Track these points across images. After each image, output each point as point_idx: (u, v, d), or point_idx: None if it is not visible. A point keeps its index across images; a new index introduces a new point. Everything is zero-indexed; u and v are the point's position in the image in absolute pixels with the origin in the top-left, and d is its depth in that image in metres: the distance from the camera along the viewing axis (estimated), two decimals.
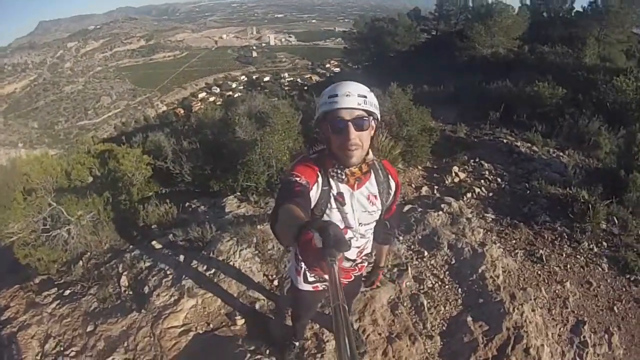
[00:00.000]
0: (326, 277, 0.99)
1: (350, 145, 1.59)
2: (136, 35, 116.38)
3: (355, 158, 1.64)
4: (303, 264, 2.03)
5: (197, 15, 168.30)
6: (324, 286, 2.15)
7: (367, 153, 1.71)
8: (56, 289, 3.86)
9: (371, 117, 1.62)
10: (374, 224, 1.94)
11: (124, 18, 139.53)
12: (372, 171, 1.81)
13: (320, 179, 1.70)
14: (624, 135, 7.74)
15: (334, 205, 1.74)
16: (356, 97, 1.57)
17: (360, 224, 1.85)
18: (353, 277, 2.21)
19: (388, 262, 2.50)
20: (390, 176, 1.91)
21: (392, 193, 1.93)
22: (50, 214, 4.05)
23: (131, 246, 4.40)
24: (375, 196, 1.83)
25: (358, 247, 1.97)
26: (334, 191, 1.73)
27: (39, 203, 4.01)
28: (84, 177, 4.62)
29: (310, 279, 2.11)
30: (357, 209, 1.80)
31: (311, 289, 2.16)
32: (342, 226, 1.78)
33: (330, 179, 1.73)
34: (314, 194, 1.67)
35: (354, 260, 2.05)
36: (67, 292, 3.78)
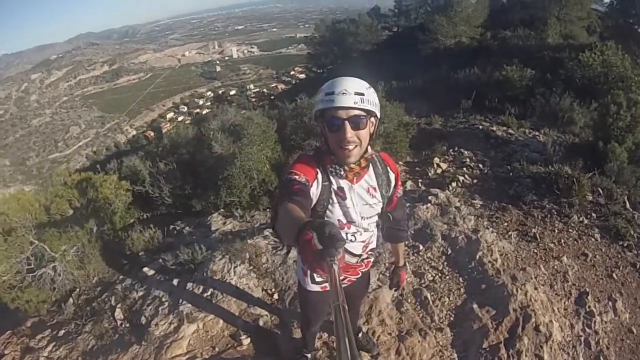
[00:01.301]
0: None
1: (347, 143, 1.57)
2: (99, 60, 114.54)
3: (353, 157, 1.64)
4: None
5: (158, 35, 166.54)
6: None
7: (366, 150, 1.69)
8: (50, 330, 3.69)
9: (369, 115, 1.59)
10: (376, 217, 1.92)
11: (86, 44, 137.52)
12: (370, 164, 1.80)
13: (319, 175, 1.68)
14: (596, 108, 7.94)
15: (335, 200, 1.73)
16: (353, 96, 1.54)
17: (362, 217, 1.83)
18: (360, 274, 2.18)
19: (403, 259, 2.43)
20: (389, 168, 1.90)
21: (392, 184, 1.91)
22: (33, 252, 3.86)
23: (121, 277, 4.25)
24: (375, 188, 1.82)
25: (363, 242, 1.94)
26: (334, 186, 1.73)
27: (20, 242, 3.81)
28: (63, 210, 4.44)
29: (318, 279, 2.07)
30: (358, 203, 1.79)
31: (319, 290, 2.11)
32: (344, 221, 1.78)
33: (330, 175, 1.72)
34: (315, 190, 1.66)
35: (359, 256, 2.01)
36: (62, 332, 3.62)
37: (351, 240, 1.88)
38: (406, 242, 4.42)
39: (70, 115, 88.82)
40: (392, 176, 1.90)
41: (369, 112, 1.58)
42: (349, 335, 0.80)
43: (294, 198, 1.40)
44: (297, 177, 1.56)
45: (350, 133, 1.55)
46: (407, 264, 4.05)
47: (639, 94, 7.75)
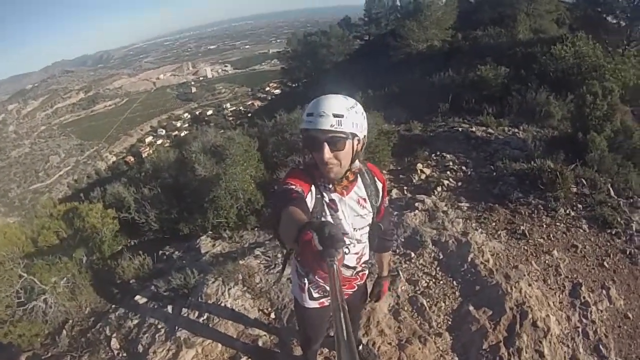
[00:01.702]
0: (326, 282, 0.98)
1: (325, 164, 1.58)
2: (74, 88, 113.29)
3: (333, 174, 1.65)
4: (306, 280, 2.02)
5: (132, 59, 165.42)
6: (329, 301, 2.09)
7: (350, 166, 1.70)
8: None
9: (349, 136, 1.59)
10: (368, 228, 1.92)
11: (60, 72, 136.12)
12: (358, 176, 1.81)
13: (313, 188, 1.69)
14: (572, 100, 8.09)
15: (327, 212, 1.74)
16: (330, 118, 1.54)
17: (354, 228, 1.85)
18: (356, 287, 2.18)
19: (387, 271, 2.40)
20: (376, 178, 1.92)
21: (381, 194, 1.93)
22: (23, 285, 3.78)
23: (113, 306, 4.16)
24: (365, 199, 1.84)
25: (356, 254, 1.96)
26: (326, 199, 1.74)
27: (8, 276, 3.73)
28: (51, 241, 4.36)
29: (316, 295, 2.05)
30: (350, 214, 1.80)
31: (317, 306, 2.09)
32: None
33: (320, 188, 1.73)
34: (309, 202, 1.65)
35: (354, 268, 2.02)
36: None
37: (346, 253, 1.88)
38: (395, 250, 4.43)
39: (49, 144, 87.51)
40: (379, 186, 1.92)
41: (348, 134, 1.58)
42: (348, 335, 0.81)
43: (294, 202, 1.41)
44: (293, 186, 1.57)
45: (328, 154, 1.56)
46: (400, 272, 4.06)
47: (613, 81, 7.97)
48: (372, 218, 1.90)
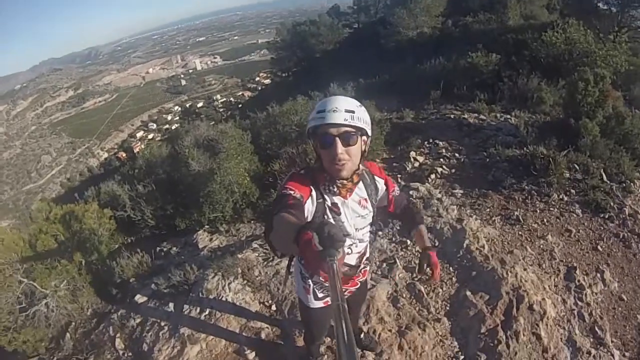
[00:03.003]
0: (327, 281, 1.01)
1: (338, 160, 1.60)
2: (63, 86, 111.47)
3: (345, 172, 1.67)
4: (311, 282, 2.05)
5: (120, 54, 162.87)
6: None
7: (358, 166, 1.73)
8: None
9: (359, 133, 1.63)
10: (369, 226, 1.95)
11: (49, 71, 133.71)
12: (360, 179, 1.83)
13: (314, 193, 1.70)
14: (564, 86, 8.11)
15: (330, 216, 1.76)
16: (343, 113, 1.57)
17: (356, 229, 1.87)
18: (359, 284, 2.22)
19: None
20: (375, 177, 1.94)
21: (382, 191, 1.96)
22: (23, 291, 3.78)
23: (115, 306, 4.18)
24: (366, 199, 1.86)
25: (359, 252, 1.99)
26: (328, 203, 1.75)
27: (9, 283, 3.73)
28: (49, 245, 4.34)
29: (320, 295, 2.09)
30: (352, 216, 1.82)
31: (322, 305, 2.13)
32: None
33: (323, 192, 1.74)
34: (310, 207, 1.68)
35: (357, 267, 2.05)
36: None
37: (348, 253, 1.92)
38: (391, 238, 4.50)
39: (40, 144, 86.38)
40: (380, 183, 1.95)
41: (359, 129, 1.61)
42: (348, 334, 0.82)
43: (289, 210, 1.42)
44: (292, 192, 1.59)
45: (341, 149, 1.58)
46: (397, 259, 4.11)
47: (605, 67, 8.00)
48: (373, 217, 1.92)
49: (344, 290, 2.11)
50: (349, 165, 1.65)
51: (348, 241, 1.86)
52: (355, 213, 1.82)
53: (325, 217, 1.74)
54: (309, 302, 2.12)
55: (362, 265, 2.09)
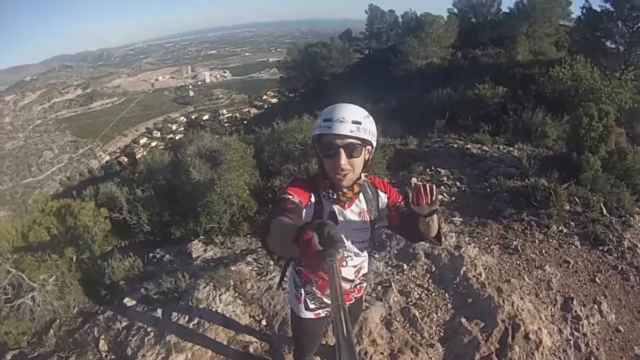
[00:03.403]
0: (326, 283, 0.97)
1: (340, 170, 1.59)
2: (73, 84, 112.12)
3: (345, 182, 1.66)
4: (303, 291, 2.01)
5: (132, 59, 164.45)
6: (325, 312, 2.09)
7: (360, 176, 1.72)
8: None
9: (364, 144, 1.62)
10: (368, 242, 1.91)
11: (60, 66, 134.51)
12: (361, 189, 1.81)
13: (313, 199, 1.70)
14: (568, 121, 8.21)
15: None
16: (349, 124, 1.55)
17: (352, 241, 1.84)
18: (353, 300, 2.16)
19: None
20: (378, 190, 1.90)
21: (384, 202, 1.91)
22: (11, 281, 3.72)
23: (102, 307, 4.11)
24: (366, 212, 1.84)
25: (355, 266, 1.95)
26: (326, 210, 1.73)
27: None
28: (42, 237, 4.30)
29: (312, 306, 2.05)
30: (349, 227, 1.79)
31: (313, 317, 2.08)
32: None
33: (323, 199, 1.73)
34: (308, 212, 1.67)
35: (352, 281, 2.01)
36: None
37: (343, 265, 1.88)
38: (387, 262, 4.46)
39: (44, 139, 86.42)
40: (382, 197, 1.90)
41: (364, 141, 1.60)
42: (348, 334, 0.81)
43: (286, 214, 1.40)
44: (291, 197, 1.58)
45: (344, 160, 1.57)
46: (392, 283, 4.06)
47: (609, 104, 8.09)
48: (372, 232, 1.90)
49: None
50: (351, 175, 1.64)
51: (345, 253, 1.83)
52: (353, 225, 1.80)
53: None
54: (299, 312, 2.07)
55: (357, 281, 2.05)
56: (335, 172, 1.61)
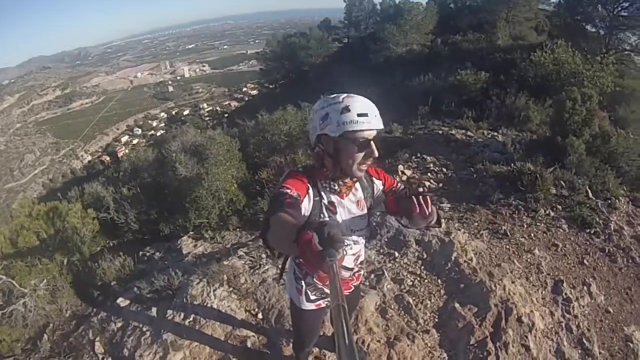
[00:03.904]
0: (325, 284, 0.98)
1: (372, 161, 1.64)
2: (51, 85, 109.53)
3: (364, 173, 1.70)
4: (304, 283, 2.02)
5: (110, 57, 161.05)
6: (326, 302, 2.10)
7: None
8: None
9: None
10: (365, 230, 1.92)
11: (38, 68, 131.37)
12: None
13: (311, 191, 1.69)
14: (551, 105, 8.33)
15: (326, 214, 1.74)
16: (379, 118, 1.59)
17: (352, 230, 1.85)
18: (352, 288, 2.19)
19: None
20: (373, 178, 1.92)
21: (380, 189, 1.92)
22: (1, 288, 3.65)
23: (95, 309, 4.05)
24: (362, 201, 1.86)
25: (354, 255, 1.96)
26: (325, 201, 1.74)
27: None
28: (31, 242, 4.22)
29: (313, 297, 2.05)
30: (348, 216, 1.81)
31: (314, 307, 2.09)
32: None
33: (321, 190, 1.73)
34: (306, 205, 1.66)
35: (351, 269, 2.03)
36: None
37: (345, 254, 1.89)
38: (379, 250, 4.50)
39: (25, 142, 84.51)
40: (377, 183, 1.92)
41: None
42: (349, 334, 0.81)
43: (286, 209, 1.39)
44: (289, 190, 1.56)
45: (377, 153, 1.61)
46: (385, 271, 4.09)
47: (592, 88, 8.22)
48: (368, 220, 1.91)
49: None
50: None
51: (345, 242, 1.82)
52: (351, 213, 1.81)
53: (322, 215, 1.73)
54: (300, 304, 2.08)
55: (356, 269, 2.06)
56: (361, 165, 1.63)
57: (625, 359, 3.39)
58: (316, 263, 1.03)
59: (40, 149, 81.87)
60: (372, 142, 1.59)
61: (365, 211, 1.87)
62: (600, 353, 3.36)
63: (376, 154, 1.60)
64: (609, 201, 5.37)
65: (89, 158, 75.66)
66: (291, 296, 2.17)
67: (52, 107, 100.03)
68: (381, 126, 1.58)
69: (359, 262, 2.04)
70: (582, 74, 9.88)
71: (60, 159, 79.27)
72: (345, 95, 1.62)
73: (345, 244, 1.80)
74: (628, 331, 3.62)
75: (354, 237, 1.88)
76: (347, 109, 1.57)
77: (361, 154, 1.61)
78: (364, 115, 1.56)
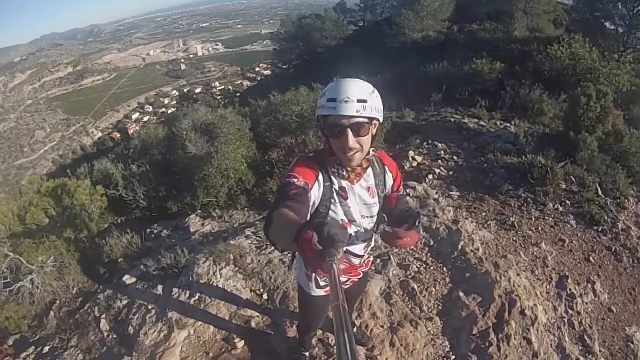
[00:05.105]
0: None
1: (348, 150, 1.56)
2: (63, 62, 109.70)
3: (354, 161, 1.64)
4: None
5: (122, 34, 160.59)
6: None
7: (368, 151, 1.69)
8: (33, 347, 3.52)
9: (371, 121, 1.58)
10: (375, 217, 1.90)
11: (49, 45, 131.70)
12: (369, 164, 1.79)
13: (320, 177, 1.67)
14: (565, 100, 8.19)
15: (337, 199, 1.72)
16: (355, 104, 1.50)
17: (362, 216, 1.82)
18: (361, 274, 2.19)
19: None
20: (386, 167, 1.89)
21: (390, 183, 1.91)
22: (9, 265, 3.68)
23: (101, 286, 4.10)
24: (374, 188, 1.83)
25: (364, 241, 1.94)
26: (336, 186, 1.71)
27: None
28: (39, 219, 4.25)
29: (322, 283, 2.05)
30: (359, 202, 1.78)
31: (323, 293, 2.09)
32: (346, 220, 1.76)
33: (332, 175, 1.70)
34: (316, 192, 1.64)
35: (361, 257, 2.01)
36: (46, 348, 3.46)
37: (354, 242, 1.88)
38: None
39: (35, 118, 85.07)
40: (389, 175, 1.89)
41: (370, 119, 1.56)
42: (348, 335, 0.81)
43: (289, 204, 1.39)
44: (295, 180, 1.54)
45: (352, 140, 1.54)
46: (391, 256, 4.09)
47: (607, 85, 8.05)
48: (379, 207, 1.89)
49: (347, 279, 2.11)
50: (359, 155, 1.62)
51: (353, 227, 1.81)
52: (362, 200, 1.78)
53: (332, 200, 1.70)
54: (310, 290, 2.08)
55: (366, 256, 2.06)
56: (344, 152, 1.58)
57: (625, 359, 3.38)
58: (316, 262, 1.02)
59: (50, 126, 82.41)
60: (347, 129, 1.52)
61: (376, 198, 1.84)
62: (600, 351, 3.35)
63: (347, 142, 1.53)
64: (618, 200, 5.30)
65: (99, 135, 75.94)
66: (300, 282, 2.17)
67: (63, 84, 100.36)
68: (349, 112, 1.49)
69: (369, 249, 2.04)
70: (598, 71, 9.67)
71: (70, 136, 79.76)
72: (340, 78, 1.59)
73: (352, 230, 1.81)
74: (629, 331, 3.60)
75: (365, 224, 1.85)
76: (324, 93, 1.56)
77: (336, 140, 1.57)
78: (332, 100, 1.52)
